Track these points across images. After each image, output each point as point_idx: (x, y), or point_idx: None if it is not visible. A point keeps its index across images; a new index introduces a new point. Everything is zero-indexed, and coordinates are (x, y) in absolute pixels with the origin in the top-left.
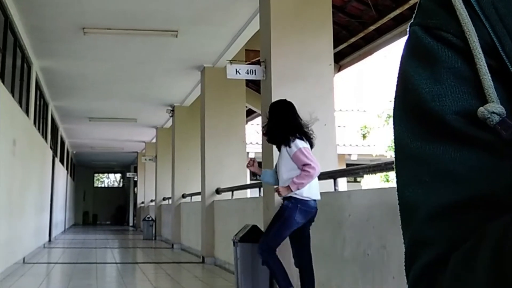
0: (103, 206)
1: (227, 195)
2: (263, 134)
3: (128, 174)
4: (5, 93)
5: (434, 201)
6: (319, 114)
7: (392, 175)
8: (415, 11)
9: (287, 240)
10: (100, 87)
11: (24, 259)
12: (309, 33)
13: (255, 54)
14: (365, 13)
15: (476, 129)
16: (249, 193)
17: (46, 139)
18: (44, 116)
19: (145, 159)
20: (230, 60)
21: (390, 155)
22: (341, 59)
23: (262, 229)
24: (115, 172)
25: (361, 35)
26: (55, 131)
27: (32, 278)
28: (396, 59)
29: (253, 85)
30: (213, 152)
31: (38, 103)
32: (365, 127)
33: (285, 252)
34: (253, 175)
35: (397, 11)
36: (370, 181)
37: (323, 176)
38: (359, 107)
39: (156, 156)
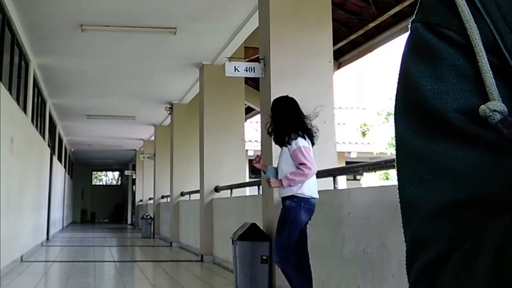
0: (101, 204)
1: (226, 193)
2: (268, 134)
3: (126, 172)
4: (2, 91)
5: (435, 200)
6: (318, 111)
7: (392, 173)
8: (417, 7)
9: None
10: (98, 85)
11: (22, 257)
12: (309, 30)
13: (254, 51)
14: (365, 10)
15: (478, 127)
16: (248, 191)
17: (44, 137)
18: (42, 113)
19: (144, 157)
20: (229, 58)
21: (390, 152)
22: (341, 56)
23: (261, 227)
24: (113, 170)
25: (361, 32)
26: (53, 128)
27: (30, 276)
28: (396, 56)
29: (252, 83)
30: (212, 150)
31: (36, 100)
32: (365, 124)
33: None
34: (253, 172)
35: (397, 8)
36: (370, 179)
37: (322, 174)
38: (358, 104)
39: (154, 154)
